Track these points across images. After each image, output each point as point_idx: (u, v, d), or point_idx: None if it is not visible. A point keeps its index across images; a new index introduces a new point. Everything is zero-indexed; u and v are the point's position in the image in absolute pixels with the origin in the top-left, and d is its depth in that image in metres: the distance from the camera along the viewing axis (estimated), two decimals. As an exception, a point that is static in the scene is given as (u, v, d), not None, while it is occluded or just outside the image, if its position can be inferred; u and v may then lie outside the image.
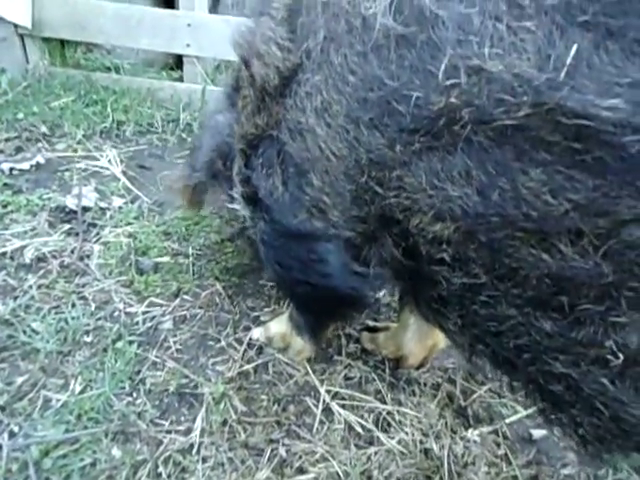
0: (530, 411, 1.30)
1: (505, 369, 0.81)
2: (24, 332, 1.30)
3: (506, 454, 1.19)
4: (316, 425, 1.19)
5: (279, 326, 1.34)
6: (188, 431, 1.14)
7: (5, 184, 1.84)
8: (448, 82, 0.63)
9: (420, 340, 1.31)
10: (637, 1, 0.52)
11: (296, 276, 1.03)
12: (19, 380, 1.19)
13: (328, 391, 1.27)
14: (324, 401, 1.24)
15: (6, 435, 1.08)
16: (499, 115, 0.60)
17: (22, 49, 2.47)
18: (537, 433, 1.26)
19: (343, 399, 1.25)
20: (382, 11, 0.69)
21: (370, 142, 0.74)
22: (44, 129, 2.18)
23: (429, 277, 0.78)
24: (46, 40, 2.49)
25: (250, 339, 1.37)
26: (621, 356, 0.61)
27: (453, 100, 0.63)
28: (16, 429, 1.10)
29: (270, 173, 0.94)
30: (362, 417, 1.22)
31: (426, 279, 0.79)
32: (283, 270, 1.05)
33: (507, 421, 1.27)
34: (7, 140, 2.12)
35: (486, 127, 0.61)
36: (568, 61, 0.54)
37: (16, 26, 2.39)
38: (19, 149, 2.08)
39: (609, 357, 0.62)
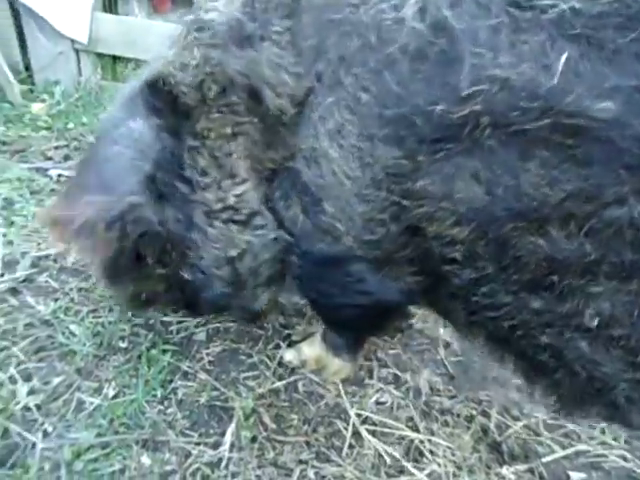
0: (569, 452, 1.25)
1: (499, 345, 0.92)
2: (62, 333, 1.33)
3: (543, 496, 1.14)
4: (345, 449, 1.16)
5: (312, 349, 1.33)
6: (217, 445, 1.13)
7: (52, 189, 1.91)
8: (470, 91, 0.67)
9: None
10: (615, 14, 0.60)
11: (338, 301, 1.03)
12: (55, 381, 1.21)
13: (359, 415, 1.24)
14: (354, 425, 1.21)
15: (40, 434, 1.10)
16: (514, 119, 0.66)
17: (77, 63, 2.59)
18: (575, 476, 1.20)
19: (374, 424, 1.23)
20: (411, 16, 0.72)
21: (386, 156, 0.77)
22: (92, 139, 2.27)
23: (440, 276, 0.84)
24: (99, 55, 2.60)
25: (282, 359, 1.36)
26: (596, 321, 0.71)
27: (475, 108, 0.67)
28: (50, 429, 1.11)
29: (289, 204, 0.94)
30: (392, 444, 1.18)
31: (437, 278, 0.85)
32: (324, 298, 1.05)
33: (543, 460, 1.22)
34: (57, 148, 2.21)
35: (501, 131, 0.67)
36: (559, 69, 0.62)
37: (73, 41, 2.51)
38: (67, 157, 2.16)
39: (587, 323, 0.72)
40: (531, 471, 1.19)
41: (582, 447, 1.26)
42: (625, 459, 1.25)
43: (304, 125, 0.86)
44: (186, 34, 0.97)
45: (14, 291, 1.45)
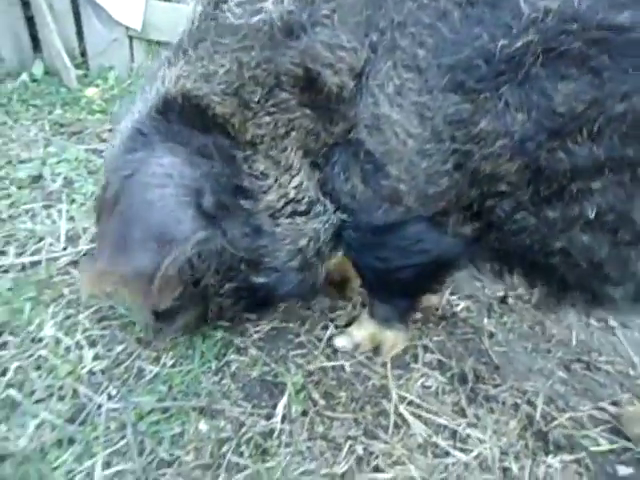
0: (615, 446, 1.24)
1: (517, 262, 1.05)
2: (122, 305, 1.40)
3: (589, 486, 1.14)
4: (391, 428, 1.19)
5: (362, 330, 1.36)
6: (269, 416, 1.18)
7: (108, 170, 1.99)
8: (526, 23, 0.77)
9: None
10: None
11: (397, 264, 1.07)
12: (118, 348, 1.29)
13: (404, 397, 1.27)
14: (396, 406, 1.24)
15: (105, 397, 1.17)
16: (560, 41, 0.76)
17: (130, 49, 2.68)
18: (623, 470, 1.19)
19: (419, 407, 1.25)
20: None
21: (447, 105, 0.83)
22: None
23: (483, 211, 0.94)
24: (151, 42, 2.68)
25: (330, 341, 1.39)
26: (594, 213, 0.85)
27: (530, 38, 0.77)
28: (114, 392, 1.18)
29: (348, 176, 0.97)
30: (439, 426, 1.21)
31: (479, 213, 0.96)
32: (383, 264, 1.09)
33: (590, 452, 1.22)
34: (111, 130, 2.30)
35: (547, 56, 0.77)
36: None
37: (127, 28, 2.59)
38: (121, 140, 2.24)
39: (589, 218, 0.86)
40: (578, 462, 1.19)
41: (629, 444, 1.26)
42: (674, 458, 1.23)
43: (363, 95, 0.89)
44: (192, 44, 0.95)
45: (76, 264, 1.53)
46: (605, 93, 0.76)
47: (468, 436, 1.19)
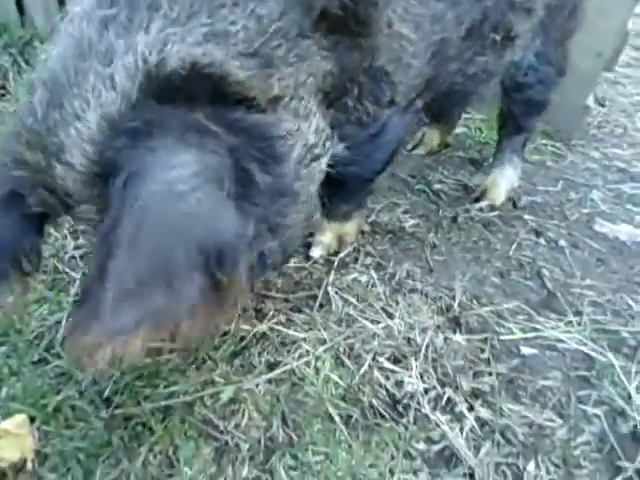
0: (528, 335, 1.34)
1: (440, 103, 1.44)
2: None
3: (488, 359, 1.26)
4: (316, 308, 1.36)
5: (328, 233, 1.51)
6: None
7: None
8: None
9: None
10: None
11: (382, 160, 1.22)
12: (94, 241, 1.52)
13: (335, 286, 1.43)
14: (329, 291, 1.40)
15: (80, 274, 1.41)
16: None
17: None
18: (527, 350, 1.30)
19: (347, 294, 1.41)
20: None
21: (430, 9, 1.07)
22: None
23: (435, 80, 1.22)
24: None
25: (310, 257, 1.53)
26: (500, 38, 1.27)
27: None
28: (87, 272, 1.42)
29: (361, 103, 1.06)
30: (356, 308, 1.36)
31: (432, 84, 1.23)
32: (374, 165, 1.22)
33: (500, 338, 1.33)
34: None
35: None
36: None
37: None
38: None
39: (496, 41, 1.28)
40: (484, 341, 1.30)
41: (544, 334, 1.35)
42: (584, 344, 1.32)
43: (384, 23, 0.97)
44: None
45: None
46: None
47: (381, 316, 1.33)
